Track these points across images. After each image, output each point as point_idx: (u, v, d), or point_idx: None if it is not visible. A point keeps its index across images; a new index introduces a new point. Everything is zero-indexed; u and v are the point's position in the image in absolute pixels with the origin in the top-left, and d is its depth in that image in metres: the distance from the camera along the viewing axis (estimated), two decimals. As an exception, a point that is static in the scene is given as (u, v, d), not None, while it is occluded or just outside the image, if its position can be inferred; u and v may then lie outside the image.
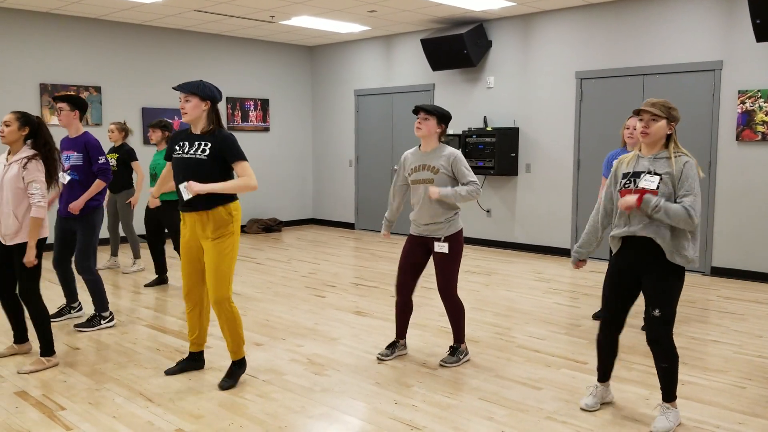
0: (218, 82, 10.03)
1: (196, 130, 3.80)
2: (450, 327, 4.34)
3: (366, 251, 8.68)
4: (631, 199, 3.06)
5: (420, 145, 4.10)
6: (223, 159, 3.73)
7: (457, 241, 4.07)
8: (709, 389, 3.78)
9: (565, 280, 6.80)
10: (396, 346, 4.38)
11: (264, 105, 10.60)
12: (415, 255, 4.16)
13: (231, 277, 3.79)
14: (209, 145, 3.72)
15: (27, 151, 4.04)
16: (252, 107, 10.47)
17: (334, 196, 11.09)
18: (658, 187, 3.08)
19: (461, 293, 6.17)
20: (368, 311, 5.60)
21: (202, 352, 4.14)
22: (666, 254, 3.09)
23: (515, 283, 6.67)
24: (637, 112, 3.17)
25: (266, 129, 10.66)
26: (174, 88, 3.88)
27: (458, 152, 4.03)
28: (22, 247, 3.98)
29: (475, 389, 3.79)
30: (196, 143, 3.75)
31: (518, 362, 4.29)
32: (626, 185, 3.19)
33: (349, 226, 10.82)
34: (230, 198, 3.80)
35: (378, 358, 4.30)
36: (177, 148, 3.82)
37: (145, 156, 8.53)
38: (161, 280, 6.53)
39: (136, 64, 9.20)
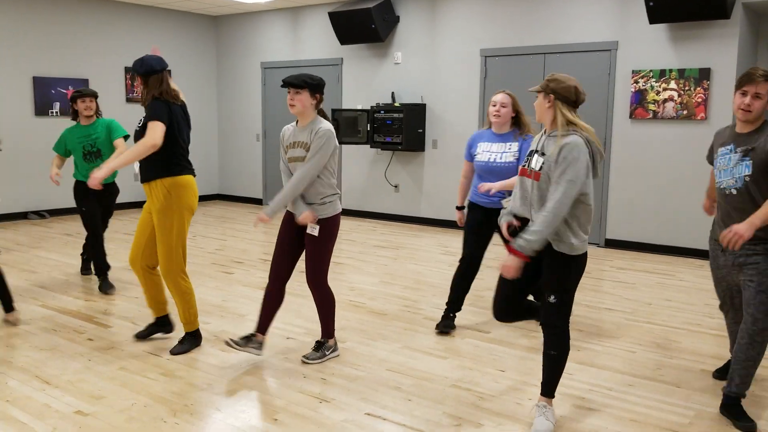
0: (117, 51, 9.55)
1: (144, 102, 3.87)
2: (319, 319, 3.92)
3: (275, 227, 8.57)
4: (511, 264, 2.87)
5: (297, 121, 3.71)
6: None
7: (331, 225, 3.68)
8: (603, 354, 4.01)
9: (470, 253, 6.99)
10: (250, 342, 3.79)
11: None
12: (289, 235, 3.75)
13: (179, 250, 3.84)
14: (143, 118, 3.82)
15: None
16: (153, 78, 10.02)
17: (241, 171, 10.86)
18: (540, 169, 2.87)
19: (370, 269, 6.24)
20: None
21: (166, 316, 4.16)
22: (552, 243, 2.88)
23: (422, 257, 6.79)
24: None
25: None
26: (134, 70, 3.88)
27: (325, 128, 3.57)
28: None
29: (383, 360, 3.86)
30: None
31: (425, 333, 4.38)
32: (524, 164, 3.01)
33: (258, 201, 10.65)
34: (166, 171, 3.79)
35: (227, 342, 3.74)
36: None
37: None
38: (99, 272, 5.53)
39: (26, 30, 8.60)
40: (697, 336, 4.38)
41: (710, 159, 3.34)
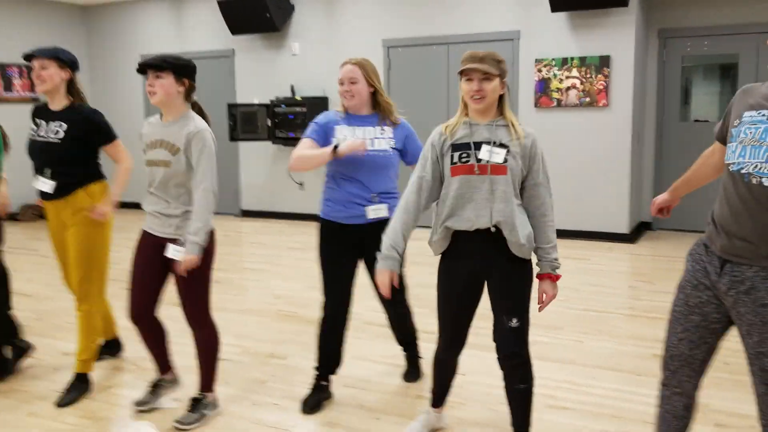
0: (-27, 44, 8.49)
1: (54, 104, 3.32)
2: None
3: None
4: (554, 292, 2.53)
5: (162, 114, 2.97)
6: (85, 141, 3.30)
7: (207, 245, 2.90)
8: (554, 347, 3.95)
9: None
10: (160, 387, 3.24)
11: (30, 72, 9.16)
12: (148, 260, 2.97)
13: (104, 270, 3.36)
14: (65, 125, 3.26)
15: None
16: (16, 74, 9.03)
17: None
18: (505, 161, 2.41)
19: (290, 273, 5.88)
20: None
21: (116, 339, 3.86)
22: (511, 249, 2.45)
23: (340, 256, 6.53)
24: (464, 72, 2.43)
25: (36, 100, 9.26)
26: (29, 55, 3.30)
27: (203, 127, 2.88)
28: None
29: (335, 375, 3.57)
30: (53, 123, 3.27)
31: (370, 339, 4.14)
32: (464, 159, 2.44)
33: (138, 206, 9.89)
34: (91, 177, 3.36)
35: (136, 408, 3.16)
36: (34, 126, 3.34)
37: None
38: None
39: None
40: (635, 320, 4.44)
41: (722, 131, 2.19)
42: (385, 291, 2.53)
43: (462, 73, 2.43)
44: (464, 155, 2.45)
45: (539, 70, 7.07)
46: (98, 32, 9.83)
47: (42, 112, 3.35)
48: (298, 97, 8.14)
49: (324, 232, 3.13)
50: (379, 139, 3.08)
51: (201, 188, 2.85)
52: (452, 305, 2.58)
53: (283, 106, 8.12)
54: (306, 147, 3.05)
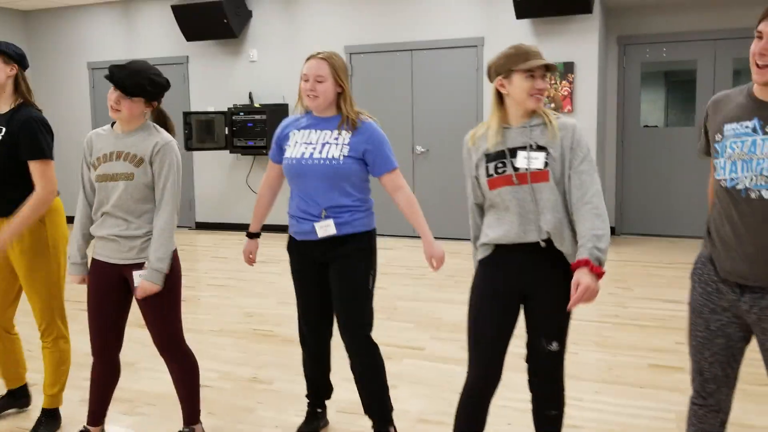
0: None
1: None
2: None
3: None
4: (596, 286, 2.10)
5: (114, 123, 2.69)
6: (18, 150, 2.89)
7: (173, 265, 2.64)
8: (547, 359, 3.86)
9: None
10: None
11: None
12: (106, 293, 2.65)
13: (60, 297, 3.02)
14: (3, 129, 2.88)
15: None
16: (-47, 83, 8.45)
17: (67, 188, 9.53)
18: (546, 166, 2.16)
19: (259, 289, 5.64)
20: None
21: (24, 386, 3.31)
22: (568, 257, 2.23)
23: (309, 269, 6.31)
24: (528, 69, 2.15)
25: (-26, 110, 8.71)
26: None
27: (171, 142, 2.62)
28: None
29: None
30: None
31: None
32: (500, 169, 2.20)
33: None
34: (23, 199, 2.92)
35: None
36: None
37: None
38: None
39: None
40: (624, 329, 4.39)
41: (706, 147, 2.09)
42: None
43: (520, 70, 2.16)
44: (500, 165, 2.21)
45: (505, 77, 7.01)
46: (41, 39, 9.33)
47: None
48: (257, 104, 7.88)
49: (289, 247, 2.86)
50: (329, 145, 2.63)
51: (167, 209, 2.59)
52: (489, 327, 2.26)
53: (241, 113, 7.85)
54: (266, 173, 2.96)
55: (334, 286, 2.72)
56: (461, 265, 6.22)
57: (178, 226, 7.93)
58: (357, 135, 2.64)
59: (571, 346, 4.08)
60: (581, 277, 2.07)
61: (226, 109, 8.06)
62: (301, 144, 2.69)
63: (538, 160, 2.17)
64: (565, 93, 6.83)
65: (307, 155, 2.65)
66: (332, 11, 7.72)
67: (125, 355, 4.08)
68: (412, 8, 7.36)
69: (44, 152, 2.90)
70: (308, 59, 2.64)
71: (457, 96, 7.27)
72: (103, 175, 2.59)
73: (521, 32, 6.93)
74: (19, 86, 2.95)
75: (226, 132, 7.92)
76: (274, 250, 7.11)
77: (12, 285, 3.07)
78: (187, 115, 7.96)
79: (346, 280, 2.69)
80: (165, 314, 2.66)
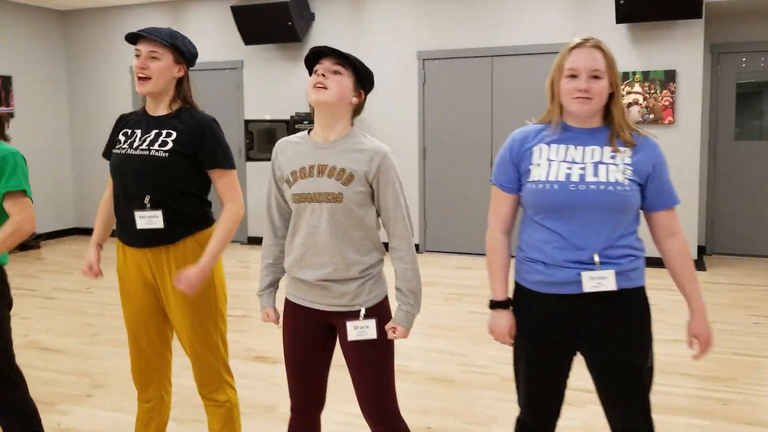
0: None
1: (156, 109, 2.41)
2: None
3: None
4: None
5: (310, 130, 2.16)
6: (196, 159, 2.35)
7: (387, 313, 2.14)
8: (676, 397, 3.35)
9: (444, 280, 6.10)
10: None
11: (6, 83, 8.06)
12: (311, 346, 2.16)
13: (224, 337, 2.47)
14: (174, 134, 2.33)
15: None
16: (-11, 86, 7.89)
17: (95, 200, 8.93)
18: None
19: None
20: (265, 353, 4.23)
21: None
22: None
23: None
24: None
25: (10, 115, 8.13)
26: (135, 34, 2.35)
27: (389, 151, 2.12)
28: None
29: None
30: (155, 131, 2.36)
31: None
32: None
33: (133, 234, 8.81)
34: (202, 223, 2.40)
35: None
36: (122, 138, 2.40)
37: None
38: None
39: None
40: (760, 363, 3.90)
41: None
42: None
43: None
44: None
45: (597, 85, 6.55)
46: (79, 40, 8.78)
47: (135, 118, 2.46)
48: (321, 113, 7.35)
49: (518, 300, 2.06)
50: (605, 166, 1.94)
51: (404, 238, 2.11)
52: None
53: (305, 122, 7.32)
54: (494, 205, 2.12)
55: (601, 368, 1.99)
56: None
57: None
58: (638, 153, 1.96)
59: (749, 386, 3.57)
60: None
61: (288, 117, 7.53)
62: (560, 163, 1.97)
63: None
64: (666, 103, 6.37)
65: (575, 178, 1.93)
66: (403, 13, 7.24)
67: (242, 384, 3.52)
68: (494, 11, 6.89)
69: (231, 160, 2.42)
70: (573, 48, 1.97)
71: (543, 106, 6.76)
72: (301, 195, 2.07)
73: (617, 37, 6.48)
74: (183, 89, 2.43)
75: (289, 141, 7.38)
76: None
77: (165, 332, 2.52)
78: (247, 123, 7.42)
79: (620, 365, 1.95)
80: (382, 371, 2.11)
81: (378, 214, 2.13)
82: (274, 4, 7.13)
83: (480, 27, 6.96)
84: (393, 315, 2.12)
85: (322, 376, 2.20)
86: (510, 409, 3.29)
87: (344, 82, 2.04)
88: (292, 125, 7.37)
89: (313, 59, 2.08)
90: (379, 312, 2.10)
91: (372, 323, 2.06)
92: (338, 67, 2.04)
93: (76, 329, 4.74)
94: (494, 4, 6.89)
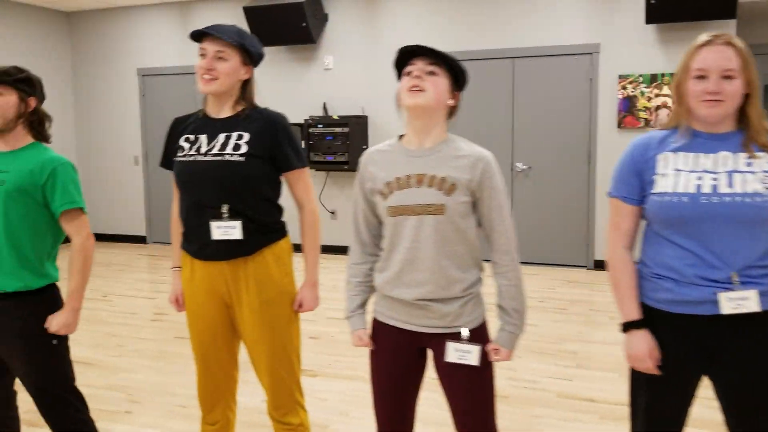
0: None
1: (219, 111, 2.23)
2: None
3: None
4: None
5: (402, 135, 1.97)
6: (271, 161, 2.20)
7: (487, 334, 1.96)
8: None
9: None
10: None
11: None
12: (403, 368, 1.96)
13: (298, 361, 2.30)
14: (246, 136, 2.17)
15: None
16: (-7, 88, 7.64)
17: (115, 202, 8.72)
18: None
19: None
20: (307, 366, 4.00)
21: None
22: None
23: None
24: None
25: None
26: (200, 32, 2.15)
27: (492, 156, 1.92)
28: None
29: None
30: (224, 135, 2.18)
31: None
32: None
33: (139, 240, 8.60)
34: (278, 233, 2.26)
35: None
36: (185, 144, 2.23)
37: None
38: None
39: None
40: None
41: None
42: None
43: None
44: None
45: (623, 87, 6.38)
46: (86, 42, 8.56)
47: (195, 122, 2.27)
48: (334, 116, 7.16)
49: (660, 322, 1.82)
50: (741, 175, 1.73)
51: (509, 252, 1.94)
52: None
53: (319, 126, 7.12)
54: (615, 219, 1.91)
55: (734, 392, 1.78)
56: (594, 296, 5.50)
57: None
58: None
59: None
60: None
61: (302, 121, 7.33)
62: (689, 173, 1.76)
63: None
64: (695, 106, 6.18)
65: (706, 189, 1.73)
66: (419, 14, 7.05)
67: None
68: (515, 11, 6.71)
69: (305, 158, 2.27)
70: (701, 46, 1.75)
71: (566, 109, 6.61)
72: (400, 206, 1.88)
73: (645, 38, 6.29)
74: (248, 91, 2.25)
75: (303, 145, 7.18)
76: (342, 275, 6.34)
77: (234, 349, 2.34)
78: (259, 126, 7.20)
79: (757, 389, 1.76)
80: (481, 397, 1.92)
81: (478, 225, 1.95)
82: (288, 5, 6.93)
83: (500, 28, 6.77)
84: (496, 335, 1.94)
85: (413, 401, 2.02)
86: (576, 429, 3.08)
87: (440, 83, 1.87)
88: (306, 129, 7.16)
89: (403, 60, 1.91)
90: (482, 335, 1.93)
91: (476, 349, 1.88)
92: (433, 68, 1.87)
93: (101, 340, 4.53)
94: (515, 4, 6.70)
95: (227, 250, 2.15)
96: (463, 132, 6.97)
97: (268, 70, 7.67)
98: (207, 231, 2.14)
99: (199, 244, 2.18)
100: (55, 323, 2.22)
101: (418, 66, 1.85)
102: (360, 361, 4.04)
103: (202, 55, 2.16)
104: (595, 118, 6.53)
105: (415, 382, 2.00)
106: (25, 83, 2.31)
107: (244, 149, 2.13)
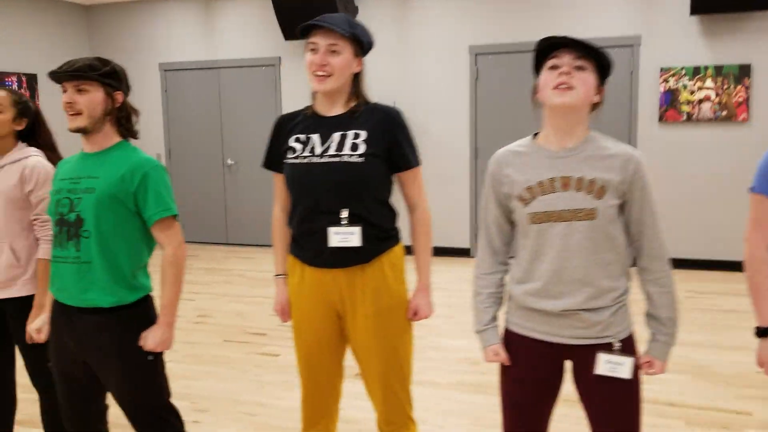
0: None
1: (331, 108, 2.08)
2: None
3: (228, 272, 6.63)
4: None
5: (536, 134, 1.85)
6: (389, 160, 2.06)
7: (635, 345, 1.84)
8: None
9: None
10: None
11: (31, 82, 7.65)
12: (543, 381, 1.84)
13: (411, 373, 2.17)
14: (363, 134, 2.02)
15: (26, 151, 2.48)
16: (15, 84, 7.48)
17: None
18: None
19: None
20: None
21: None
22: None
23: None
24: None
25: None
26: (310, 25, 2.03)
27: (641, 155, 1.85)
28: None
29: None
30: (338, 134, 2.04)
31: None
32: None
33: (162, 238, 8.42)
34: (394, 236, 2.13)
35: None
36: (296, 145, 2.07)
37: None
38: None
39: None
40: None
41: None
42: None
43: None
44: None
45: (665, 81, 6.25)
46: (105, 37, 8.38)
47: (304, 121, 2.12)
48: (368, 111, 7.00)
49: None
50: None
51: (661, 258, 1.80)
52: None
53: (352, 121, 6.96)
54: (757, 217, 1.79)
55: None
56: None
57: (261, 245, 6.65)
58: None
59: None
60: None
61: (333, 116, 7.17)
62: None
63: None
64: (740, 99, 6.07)
65: None
66: (452, 5, 6.90)
67: (357, 413, 3.17)
68: (553, 2, 6.57)
69: (419, 158, 2.13)
70: None
71: (606, 102, 6.44)
72: (546, 212, 1.74)
73: (687, 29, 6.17)
74: (360, 85, 2.11)
75: (334, 141, 7.03)
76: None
77: (341, 360, 2.23)
78: (290, 121, 7.06)
79: None
80: (628, 417, 1.78)
81: (626, 229, 1.80)
82: (319, -3, 6.78)
83: (538, 19, 6.63)
84: (647, 346, 1.82)
85: (548, 416, 1.89)
86: (660, 437, 2.96)
87: (589, 79, 1.72)
88: (337, 124, 7.01)
89: (545, 52, 1.75)
90: (631, 347, 1.80)
91: (629, 361, 1.74)
92: (581, 62, 1.72)
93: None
94: (553, -4, 6.57)
95: (344, 258, 2.03)
96: (503, 127, 6.84)
97: (299, 63, 7.52)
98: (323, 237, 2.01)
99: (313, 251, 2.05)
100: (150, 341, 2.07)
101: (565, 60, 1.71)
102: (418, 366, 3.92)
103: (313, 50, 2.02)
104: (635, 111, 6.41)
105: (554, 396, 1.87)
106: (110, 77, 2.14)
107: (362, 149, 2.00)
